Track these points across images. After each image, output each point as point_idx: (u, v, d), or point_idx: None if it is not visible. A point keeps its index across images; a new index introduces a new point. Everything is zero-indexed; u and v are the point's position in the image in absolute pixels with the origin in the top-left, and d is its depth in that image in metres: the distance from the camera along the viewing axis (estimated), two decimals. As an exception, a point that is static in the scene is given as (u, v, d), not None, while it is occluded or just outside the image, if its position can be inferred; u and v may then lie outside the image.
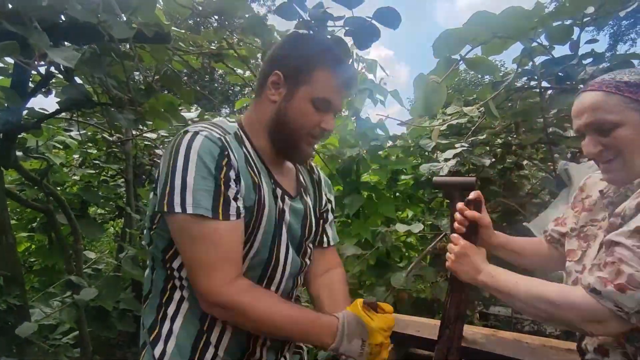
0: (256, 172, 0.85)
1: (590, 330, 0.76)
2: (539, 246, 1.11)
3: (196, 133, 0.77)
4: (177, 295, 0.85)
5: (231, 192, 0.77)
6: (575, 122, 0.85)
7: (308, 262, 1.01)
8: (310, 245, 1.02)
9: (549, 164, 2.25)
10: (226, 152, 0.78)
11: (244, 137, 0.88)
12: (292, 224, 0.92)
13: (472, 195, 0.99)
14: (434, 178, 1.33)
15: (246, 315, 0.77)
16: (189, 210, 0.73)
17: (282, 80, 0.86)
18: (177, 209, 0.73)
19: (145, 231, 0.90)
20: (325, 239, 1.09)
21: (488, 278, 0.88)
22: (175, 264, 0.84)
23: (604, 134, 0.79)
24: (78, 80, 1.55)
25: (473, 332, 1.40)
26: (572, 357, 1.21)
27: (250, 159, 0.85)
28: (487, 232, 1.03)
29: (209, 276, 0.75)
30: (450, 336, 0.94)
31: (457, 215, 0.99)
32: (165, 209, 0.75)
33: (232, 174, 0.78)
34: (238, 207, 0.78)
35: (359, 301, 0.88)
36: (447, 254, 0.97)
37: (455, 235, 0.99)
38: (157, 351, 0.82)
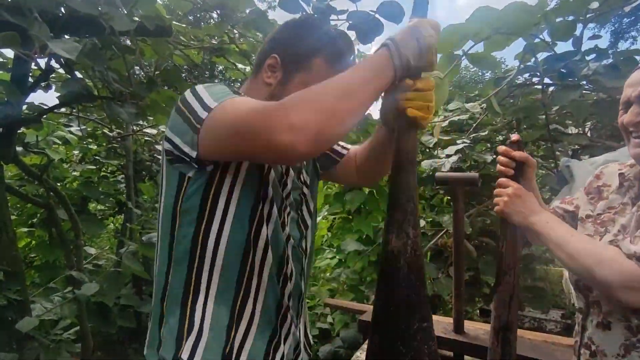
0: None
1: (624, 297, 0.76)
2: None
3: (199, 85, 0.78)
4: (201, 295, 0.80)
5: None
6: (627, 91, 0.84)
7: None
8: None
9: (551, 160, 2.25)
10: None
11: None
12: (291, 212, 0.90)
13: (515, 136, 0.95)
14: (437, 174, 1.33)
15: (321, 111, 0.65)
16: (214, 105, 0.70)
17: (278, 64, 0.85)
18: (204, 115, 0.70)
19: (161, 215, 0.83)
20: (339, 147, 1.08)
21: (542, 223, 0.86)
22: (218, 213, 0.78)
23: None
24: (78, 74, 1.55)
25: (475, 328, 1.40)
26: (572, 352, 1.21)
27: None
28: (531, 172, 0.97)
29: (275, 127, 0.64)
30: (510, 282, 0.91)
31: (501, 158, 0.95)
32: (198, 126, 0.70)
33: None
34: None
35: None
36: (497, 196, 0.94)
37: (504, 179, 0.95)
38: (189, 346, 0.78)
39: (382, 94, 0.80)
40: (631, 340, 0.80)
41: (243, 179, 0.79)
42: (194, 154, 0.73)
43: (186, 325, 0.79)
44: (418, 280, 0.73)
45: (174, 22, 1.72)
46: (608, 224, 0.91)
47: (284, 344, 0.89)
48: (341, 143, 1.10)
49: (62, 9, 1.16)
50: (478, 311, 2.78)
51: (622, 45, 16.32)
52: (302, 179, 0.96)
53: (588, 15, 1.75)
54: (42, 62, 1.46)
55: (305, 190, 0.96)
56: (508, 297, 0.90)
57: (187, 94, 0.76)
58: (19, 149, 1.95)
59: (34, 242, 2.88)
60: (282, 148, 0.63)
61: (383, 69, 0.72)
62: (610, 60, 1.77)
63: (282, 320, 0.88)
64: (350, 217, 2.62)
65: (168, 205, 0.81)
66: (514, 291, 0.91)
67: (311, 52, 0.84)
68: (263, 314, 0.84)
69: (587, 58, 1.80)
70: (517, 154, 0.93)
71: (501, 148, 0.96)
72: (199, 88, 0.75)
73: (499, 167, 0.97)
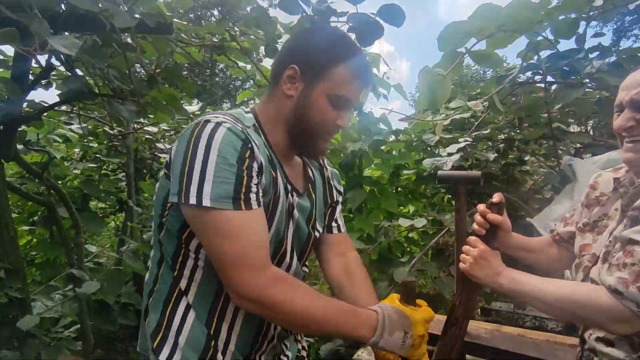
0: (273, 167, 0.83)
1: (617, 330, 0.77)
2: (547, 246, 1.11)
3: (219, 124, 0.74)
4: (182, 303, 0.82)
5: (253, 183, 0.75)
6: (620, 94, 0.84)
7: (306, 269, 1.01)
8: (313, 241, 1.01)
9: (553, 159, 2.24)
10: (249, 145, 0.75)
11: (259, 129, 0.86)
12: (299, 222, 0.92)
13: (496, 198, 0.97)
14: (439, 172, 1.33)
15: (279, 311, 0.73)
16: (205, 202, 0.70)
17: (298, 75, 0.84)
18: (193, 200, 0.70)
19: (153, 221, 0.86)
20: (335, 225, 1.08)
21: (508, 281, 0.88)
22: (193, 245, 0.81)
23: None
24: (79, 72, 1.54)
25: (477, 328, 1.39)
26: (575, 351, 1.20)
27: (268, 153, 0.84)
28: (505, 236, 1.02)
29: (237, 269, 0.72)
30: (456, 334, 0.93)
31: (478, 217, 0.97)
32: (182, 200, 0.71)
33: (255, 165, 0.75)
34: (258, 196, 0.75)
35: (395, 295, 0.86)
36: (463, 255, 0.96)
37: (473, 238, 0.97)
38: (166, 350, 0.80)
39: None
40: (632, 356, 0.81)
41: None
42: (175, 200, 0.74)
43: (164, 324, 0.82)
44: None
45: (175, 20, 1.71)
46: (602, 230, 0.91)
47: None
48: (340, 224, 1.10)
49: (63, 6, 1.15)
50: (479, 310, 2.77)
51: (625, 44, 16.29)
52: (311, 194, 0.98)
53: (591, 13, 1.74)
54: (43, 59, 1.45)
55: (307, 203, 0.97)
56: (449, 349, 0.91)
57: (200, 144, 0.72)
58: (19, 147, 1.94)
59: (34, 240, 2.87)
60: (235, 287, 0.73)
61: (362, 330, 0.77)
62: (614, 58, 1.76)
63: (263, 337, 0.89)
64: (352, 215, 2.61)
65: (157, 212, 0.84)
66: (457, 344, 0.92)
67: (330, 60, 0.84)
68: (240, 339, 0.85)
69: (591, 56, 1.79)
70: (492, 217, 0.95)
71: (480, 207, 0.98)
72: (213, 150, 0.72)
73: (474, 225, 0.99)
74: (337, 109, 0.85)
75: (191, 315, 0.81)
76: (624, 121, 0.81)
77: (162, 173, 0.84)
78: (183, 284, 0.82)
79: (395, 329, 0.78)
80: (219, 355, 0.82)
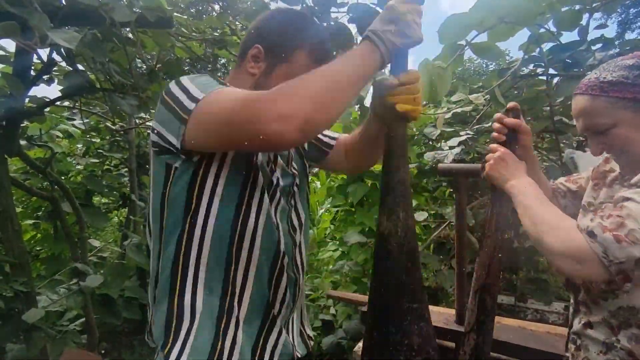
0: None
1: (560, 264, 0.76)
2: (546, 190, 1.07)
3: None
4: (194, 255, 0.79)
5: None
6: (576, 125, 0.87)
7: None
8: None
9: (555, 152, 2.23)
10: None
11: None
12: (281, 201, 0.90)
13: (511, 104, 0.97)
14: (440, 165, 1.33)
15: (310, 101, 0.67)
16: (200, 96, 0.70)
17: (262, 55, 0.85)
18: (191, 106, 0.70)
19: (151, 208, 0.84)
20: (326, 139, 1.07)
21: (519, 187, 0.87)
22: (204, 201, 0.78)
23: (603, 134, 0.81)
24: (80, 67, 1.55)
25: (477, 319, 1.40)
26: (576, 344, 1.21)
27: None
28: (527, 140, 0.98)
29: (257, 106, 0.66)
30: (492, 245, 0.93)
31: (496, 124, 0.97)
32: (184, 121, 0.70)
33: None
34: None
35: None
36: (487, 157, 0.96)
37: (494, 144, 0.97)
38: (181, 335, 0.78)
39: (371, 91, 0.83)
40: (611, 339, 0.82)
41: (229, 167, 0.79)
42: (179, 144, 0.74)
43: (175, 314, 0.79)
44: (409, 261, 0.74)
45: (175, 14, 1.71)
46: None
47: (274, 333, 0.89)
48: (329, 133, 1.10)
49: (63, 0, 1.15)
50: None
51: (630, 36, 16.10)
52: (291, 170, 0.96)
53: (594, 5, 1.72)
54: (44, 54, 1.46)
55: (297, 180, 0.96)
56: (488, 260, 0.92)
57: (172, 85, 0.76)
58: (22, 142, 1.96)
59: (39, 235, 2.90)
60: (271, 137, 0.65)
61: (370, 54, 0.74)
62: (617, 51, 1.75)
63: (271, 312, 0.87)
64: (353, 209, 2.62)
65: (156, 196, 0.82)
66: (494, 254, 0.92)
67: (294, 44, 0.85)
68: (252, 304, 0.84)
69: (593, 48, 1.77)
70: (509, 120, 0.94)
71: (497, 115, 0.97)
72: (184, 79, 0.76)
73: (493, 133, 0.98)
74: None
75: (200, 287, 0.80)
76: (595, 148, 0.84)
77: (151, 161, 0.83)
78: (186, 259, 0.80)
79: (385, 24, 0.75)
80: (236, 321, 0.81)
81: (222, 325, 0.80)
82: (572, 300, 0.97)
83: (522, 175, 0.89)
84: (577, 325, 0.92)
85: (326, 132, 1.09)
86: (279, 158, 0.90)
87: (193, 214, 0.79)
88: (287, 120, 0.64)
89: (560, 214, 0.81)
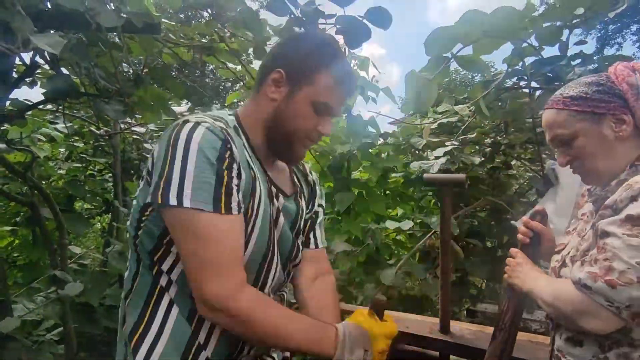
0: (253, 168, 0.82)
1: (588, 326, 0.78)
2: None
3: (197, 124, 0.74)
4: (165, 299, 0.80)
5: (233, 185, 0.74)
6: (545, 137, 0.93)
7: (290, 274, 1.00)
8: (298, 251, 1.00)
9: (537, 163, 2.28)
10: (228, 145, 0.74)
11: (240, 131, 0.86)
12: (284, 226, 0.91)
13: (538, 207, 1.04)
14: (425, 175, 1.34)
15: (247, 323, 0.74)
16: (186, 203, 0.69)
17: (284, 79, 0.84)
18: (173, 201, 0.69)
19: (129, 223, 0.85)
20: (312, 240, 1.07)
21: (535, 294, 0.90)
22: (165, 266, 0.80)
23: (568, 146, 0.87)
24: (64, 71, 1.52)
25: (461, 328, 1.41)
26: (557, 352, 1.23)
27: (247, 154, 0.83)
28: (549, 246, 1.03)
29: (209, 277, 0.71)
30: (505, 338, 0.97)
31: (522, 227, 1.03)
32: (160, 201, 0.70)
33: (234, 166, 0.75)
34: (239, 201, 0.75)
35: (360, 311, 0.88)
36: (506, 267, 1.01)
37: (514, 249, 1.03)
38: (141, 354, 0.79)
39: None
40: (598, 356, 0.81)
41: None
42: (155, 200, 0.73)
43: (142, 325, 0.80)
44: None
45: (163, 20, 1.70)
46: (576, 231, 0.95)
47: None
48: (319, 238, 1.09)
49: (48, 4, 1.14)
50: (465, 312, 2.80)
51: (608, 52, 16.68)
52: (299, 201, 0.98)
53: (574, 21, 1.78)
54: (27, 57, 1.43)
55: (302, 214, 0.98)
56: (499, 352, 0.96)
57: (179, 144, 0.72)
58: (1, 145, 1.91)
59: (17, 241, 2.82)
60: (202, 289, 0.72)
61: (327, 346, 0.79)
62: (596, 66, 1.81)
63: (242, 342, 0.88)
64: (340, 217, 2.62)
65: (134, 217, 0.83)
66: (506, 348, 0.96)
67: (316, 66, 0.84)
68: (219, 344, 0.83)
69: (573, 63, 1.83)
70: (535, 224, 1.01)
71: (524, 219, 1.04)
72: (192, 150, 0.71)
73: (518, 235, 1.04)
74: (319, 115, 0.86)
75: (174, 311, 0.80)
76: (561, 159, 0.90)
77: (143, 179, 0.83)
78: (163, 281, 0.80)
79: (355, 346, 0.80)
80: (203, 353, 0.81)
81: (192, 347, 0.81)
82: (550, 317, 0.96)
83: (537, 274, 0.93)
84: (559, 341, 0.91)
85: (319, 238, 1.09)
86: (281, 197, 0.91)
87: (159, 265, 0.80)
88: (221, 305, 0.72)
89: (551, 281, 0.88)
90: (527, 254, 0.99)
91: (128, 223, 0.85)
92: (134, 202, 0.84)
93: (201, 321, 0.81)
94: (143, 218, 0.81)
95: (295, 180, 1.02)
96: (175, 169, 0.70)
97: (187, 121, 0.75)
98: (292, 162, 0.98)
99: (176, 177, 0.70)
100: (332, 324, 0.83)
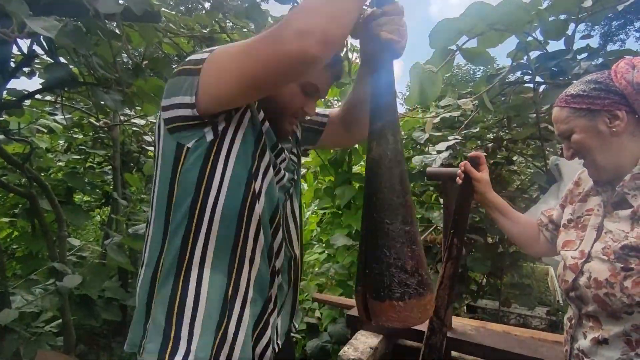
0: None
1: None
2: (532, 224, 1.17)
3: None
4: (199, 246, 0.79)
5: None
6: (555, 128, 0.98)
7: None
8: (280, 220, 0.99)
9: (540, 159, 2.27)
10: None
11: None
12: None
13: (472, 153, 1.15)
14: (428, 169, 1.33)
15: (315, 18, 0.68)
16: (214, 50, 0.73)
17: None
18: (204, 56, 0.73)
19: (157, 195, 0.82)
20: (321, 119, 1.10)
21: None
22: (211, 199, 0.78)
23: (569, 140, 0.93)
24: (62, 60, 1.50)
25: (463, 324, 1.40)
26: (558, 348, 1.22)
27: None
28: (480, 186, 1.15)
29: (277, 35, 0.68)
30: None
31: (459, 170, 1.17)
32: (194, 73, 0.73)
33: None
34: None
35: None
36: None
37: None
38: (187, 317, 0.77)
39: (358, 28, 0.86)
40: (629, 354, 0.80)
41: (239, 147, 0.81)
42: (193, 99, 0.73)
43: (179, 293, 0.78)
44: (400, 185, 0.76)
45: (163, 9, 1.68)
46: (585, 226, 0.95)
47: (277, 314, 0.91)
48: (320, 111, 1.12)
49: (45, -10, 1.11)
50: (465, 307, 2.80)
51: (611, 48, 16.59)
52: (294, 159, 0.99)
53: (580, 15, 1.76)
54: (25, 46, 1.41)
55: (295, 175, 0.99)
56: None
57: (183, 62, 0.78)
58: (0, 136, 1.89)
59: (15, 232, 2.80)
60: (295, 55, 0.66)
61: None
62: (601, 60, 1.78)
63: (274, 291, 0.89)
64: (340, 212, 2.61)
65: (164, 178, 0.81)
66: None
67: None
68: (257, 284, 0.85)
69: (578, 57, 1.81)
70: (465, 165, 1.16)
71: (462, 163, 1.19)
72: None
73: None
74: (306, 96, 0.89)
75: (211, 260, 0.80)
76: (566, 152, 0.95)
77: (159, 146, 0.82)
78: (203, 231, 0.79)
79: None
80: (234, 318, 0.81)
81: (229, 304, 0.81)
82: (571, 313, 0.95)
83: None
84: (583, 341, 0.89)
85: (318, 110, 1.09)
86: (284, 152, 0.92)
87: (204, 196, 0.79)
88: (306, 35, 0.65)
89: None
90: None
91: (156, 190, 0.83)
92: (158, 163, 0.83)
93: (241, 270, 0.82)
94: (181, 163, 0.79)
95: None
96: (189, 59, 0.77)
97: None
98: (279, 138, 0.98)
99: (194, 57, 0.77)
100: None
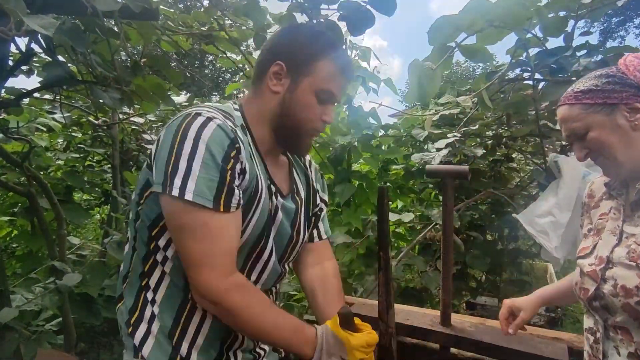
0: (256, 166, 0.83)
1: None
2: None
3: (209, 119, 0.74)
4: (157, 274, 0.83)
5: (235, 184, 0.75)
6: (561, 129, 0.93)
7: (287, 268, 1.02)
8: (294, 252, 1.01)
9: (539, 156, 2.27)
10: (237, 145, 0.75)
11: (246, 128, 0.86)
12: (283, 223, 0.91)
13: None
14: (427, 166, 1.32)
15: (235, 316, 0.76)
16: (188, 196, 0.70)
17: (284, 71, 0.84)
18: (175, 192, 0.70)
19: (131, 205, 0.87)
20: (316, 234, 1.08)
21: None
22: (162, 242, 0.81)
23: (582, 139, 0.87)
24: (61, 58, 1.49)
25: (462, 321, 1.40)
26: (558, 345, 1.22)
27: (251, 152, 0.83)
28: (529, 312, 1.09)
29: (203, 270, 0.73)
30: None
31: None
32: (162, 190, 0.72)
33: (238, 167, 0.76)
34: (239, 199, 0.76)
35: (335, 320, 0.87)
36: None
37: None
38: (139, 336, 0.81)
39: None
40: None
41: None
42: (157, 190, 0.75)
43: (135, 317, 0.83)
44: None
45: (162, 7, 1.67)
46: (601, 232, 0.91)
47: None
48: (323, 231, 1.10)
49: (42, -13, 1.11)
50: (465, 304, 2.81)
51: (611, 45, 16.57)
52: (296, 198, 0.98)
53: (580, 12, 1.75)
54: (23, 44, 1.40)
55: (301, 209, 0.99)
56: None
57: (189, 137, 0.72)
58: (-1, 135, 1.89)
59: (15, 231, 2.80)
60: (197, 283, 0.74)
61: (307, 348, 0.81)
62: (600, 57, 1.78)
63: (231, 340, 0.89)
64: (340, 209, 2.61)
65: (134, 200, 0.84)
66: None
67: (315, 54, 0.85)
68: (211, 329, 0.85)
69: (578, 54, 1.80)
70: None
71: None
72: (201, 145, 0.72)
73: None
74: (322, 104, 0.87)
75: (165, 283, 0.83)
76: (578, 153, 0.89)
77: (145, 164, 0.84)
78: (160, 256, 0.82)
79: (332, 354, 0.81)
80: (195, 339, 0.84)
81: (175, 343, 0.82)
82: (591, 323, 0.89)
83: None
84: (618, 358, 0.81)
85: (323, 230, 1.10)
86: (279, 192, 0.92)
87: (156, 241, 0.81)
88: (214, 299, 0.74)
89: None
90: None
91: (130, 204, 0.89)
92: (137, 185, 0.85)
93: (194, 307, 0.83)
94: (142, 200, 0.82)
95: (295, 175, 1.02)
96: (181, 161, 0.71)
97: (199, 114, 0.75)
98: (301, 153, 0.99)
99: (182, 170, 0.71)
100: (313, 326, 0.85)
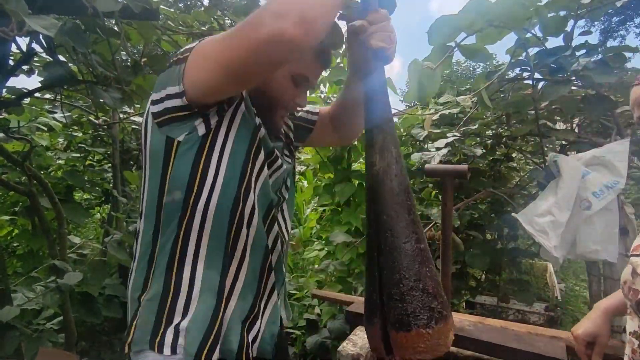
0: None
1: None
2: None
3: None
4: (192, 243, 0.80)
5: None
6: (634, 112, 0.87)
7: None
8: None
9: (539, 155, 2.27)
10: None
11: None
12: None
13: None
14: (426, 165, 1.33)
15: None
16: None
17: None
18: (192, 45, 0.75)
19: (147, 186, 0.83)
20: (310, 117, 1.11)
21: None
22: (204, 194, 0.79)
23: None
24: (61, 58, 1.50)
25: (461, 320, 1.41)
26: (556, 343, 1.23)
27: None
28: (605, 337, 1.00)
29: (255, 22, 0.67)
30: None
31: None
32: (181, 61, 0.74)
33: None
34: None
35: None
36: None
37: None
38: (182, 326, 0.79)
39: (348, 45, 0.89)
40: None
41: (233, 141, 0.80)
42: (180, 87, 0.73)
43: (172, 288, 0.79)
44: (409, 200, 0.70)
45: (162, 7, 1.67)
46: None
47: (265, 309, 0.92)
48: (310, 109, 1.12)
49: (43, -12, 1.11)
50: (464, 303, 2.81)
51: (611, 44, 16.54)
52: (287, 159, 1.00)
53: (580, 11, 1.75)
54: (24, 44, 1.41)
55: (288, 165, 0.99)
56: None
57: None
58: (0, 134, 1.89)
59: (16, 230, 2.81)
60: (272, 38, 0.64)
61: None
62: (600, 57, 1.78)
63: (266, 283, 0.91)
64: (340, 209, 2.61)
65: (154, 175, 0.81)
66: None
67: None
68: (248, 279, 0.86)
69: (577, 54, 1.81)
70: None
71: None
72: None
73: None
74: (297, 87, 0.89)
75: (204, 256, 0.80)
76: None
77: (147, 142, 0.81)
78: (195, 229, 0.80)
79: None
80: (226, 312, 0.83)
81: (223, 298, 0.82)
82: (636, 326, 0.82)
83: None
84: None
85: (308, 107, 1.11)
86: (276, 150, 0.93)
87: (197, 191, 0.79)
88: (282, 17, 0.64)
89: None
90: None
91: (146, 187, 0.84)
92: (147, 160, 0.83)
93: (232, 265, 0.83)
94: (172, 157, 0.78)
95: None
96: (177, 53, 0.80)
97: None
98: (272, 131, 0.99)
99: (181, 49, 0.80)
100: None
